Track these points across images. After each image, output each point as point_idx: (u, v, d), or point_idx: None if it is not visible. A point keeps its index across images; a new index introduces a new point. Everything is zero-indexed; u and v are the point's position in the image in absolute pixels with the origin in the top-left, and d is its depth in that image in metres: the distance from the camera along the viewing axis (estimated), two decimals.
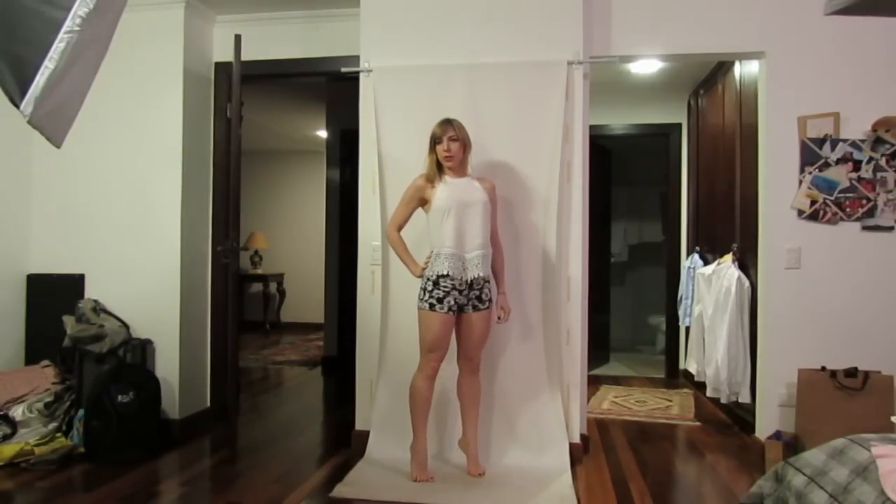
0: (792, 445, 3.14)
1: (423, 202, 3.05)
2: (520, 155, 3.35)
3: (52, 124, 1.95)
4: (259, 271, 8.48)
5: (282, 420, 4.27)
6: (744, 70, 3.93)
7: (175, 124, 3.83)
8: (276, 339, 7.87)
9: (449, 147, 2.98)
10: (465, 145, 3.03)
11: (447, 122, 3.02)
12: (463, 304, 2.98)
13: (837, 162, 3.40)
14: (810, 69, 3.43)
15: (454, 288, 2.94)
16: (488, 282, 3.04)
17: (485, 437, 3.25)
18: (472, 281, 2.97)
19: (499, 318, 3.14)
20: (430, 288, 2.96)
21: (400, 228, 3.09)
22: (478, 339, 3.06)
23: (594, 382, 5.12)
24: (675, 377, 5.60)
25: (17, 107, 1.84)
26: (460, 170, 3.05)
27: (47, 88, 1.83)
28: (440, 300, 2.94)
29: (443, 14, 3.49)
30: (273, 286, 8.61)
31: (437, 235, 2.99)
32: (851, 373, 3.21)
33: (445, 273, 2.93)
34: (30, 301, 3.94)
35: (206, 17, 4.05)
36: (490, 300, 3.06)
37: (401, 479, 3.02)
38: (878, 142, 3.36)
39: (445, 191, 2.99)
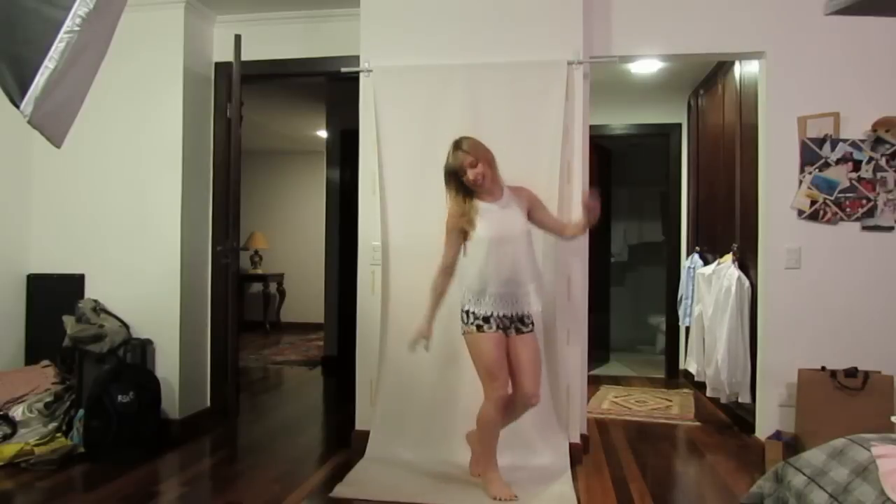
0: (792, 445, 3.14)
1: (465, 234, 2.85)
2: (520, 155, 3.34)
3: (52, 124, 1.95)
4: (259, 271, 8.49)
5: (282, 420, 4.27)
6: (744, 70, 3.93)
7: (175, 124, 3.83)
8: (276, 339, 7.86)
9: (476, 176, 2.77)
10: (489, 162, 2.80)
11: (459, 149, 2.80)
12: (506, 327, 2.84)
13: (837, 162, 3.39)
14: (810, 69, 3.43)
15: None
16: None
17: None
18: (534, 289, 2.85)
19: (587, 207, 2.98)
20: (471, 309, 2.81)
21: (449, 270, 2.87)
22: (533, 367, 2.87)
23: (594, 382, 5.12)
24: (675, 377, 5.60)
25: (17, 107, 1.84)
26: (494, 189, 2.86)
27: (47, 88, 1.83)
28: (486, 320, 2.79)
29: (443, 14, 3.49)
30: (273, 286, 8.61)
31: (477, 269, 2.80)
32: (851, 373, 3.21)
33: (491, 313, 2.78)
34: (30, 301, 3.94)
35: (206, 17, 4.05)
36: (533, 323, 2.91)
37: (401, 478, 3.02)
38: (878, 142, 3.36)
39: (484, 225, 2.79)
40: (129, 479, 3.06)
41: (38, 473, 3.11)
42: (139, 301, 3.80)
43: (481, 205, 2.83)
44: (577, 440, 3.36)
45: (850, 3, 2.15)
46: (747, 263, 3.81)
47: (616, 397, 4.83)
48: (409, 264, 3.31)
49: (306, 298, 8.45)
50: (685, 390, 5.09)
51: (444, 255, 2.87)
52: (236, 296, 4.04)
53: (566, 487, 2.92)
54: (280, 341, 7.73)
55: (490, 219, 2.81)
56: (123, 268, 3.84)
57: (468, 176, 2.78)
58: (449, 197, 2.87)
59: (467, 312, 2.83)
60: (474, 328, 2.81)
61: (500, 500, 2.79)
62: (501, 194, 2.89)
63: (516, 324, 2.87)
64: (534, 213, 2.95)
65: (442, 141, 2.96)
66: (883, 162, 3.37)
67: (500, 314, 2.81)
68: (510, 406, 2.91)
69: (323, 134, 6.59)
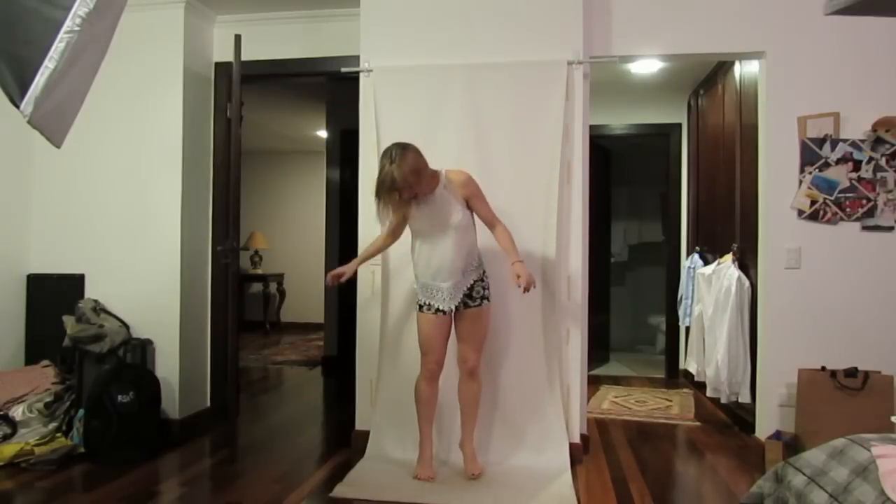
0: (792, 445, 3.14)
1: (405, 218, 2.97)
2: (520, 155, 3.35)
3: (52, 124, 1.95)
4: (259, 271, 8.49)
5: (282, 420, 4.27)
6: (744, 70, 3.93)
7: (175, 124, 3.83)
8: (276, 339, 7.86)
9: (408, 196, 2.77)
10: (418, 180, 2.74)
11: (386, 184, 2.70)
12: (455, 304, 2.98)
13: (837, 162, 3.40)
14: (810, 69, 3.43)
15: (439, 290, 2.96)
16: (481, 280, 3.01)
17: (485, 436, 3.25)
18: (456, 283, 2.93)
19: (518, 286, 2.83)
20: (419, 290, 3.01)
21: (389, 234, 3.12)
22: (470, 337, 3.02)
23: (594, 382, 5.12)
24: (675, 377, 5.60)
25: (17, 107, 1.84)
26: (428, 186, 2.84)
27: (47, 88, 1.83)
28: (427, 302, 2.98)
29: (443, 14, 3.49)
30: (273, 286, 8.61)
31: (414, 258, 3.01)
32: (851, 373, 3.21)
33: (424, 303, 2.97)
34: (30, 301, 3.94)
35: (206, 17, 4.05)
36: (483, 298, 3.01)
37: (401, 478, 3.02)
38: (878, 142, 3.36)
39: (417, 217, 2.90)
40: (129, 479, 3.06)
41: (38, 473, 3.11)
42: (139, 301, 3.80)
43: (413, 201, 2.84)
44: (577, 440, 3.36)
45: (850, 3, 2.14)
46: (747, 263, 3.81)
47: (616, 397, 4.83)
48: (409, 264, 3.31)
49: (306, 298, 8.45)
50: (685, 390, 5.09)
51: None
52: (236, 296, 4.04)
53: (566, 487, 2.92)
54: (280, 341, 7.73)
55: (420, 213, 2.88)
56: (123, 268, 3.84)
57: (400, 202, 2.80)
58: (384, 210, 2.82)
59: (417, 292, 3.03)
60: (418, 307, 3.02)
61: (419, 479, 2.98)
62: (436, 185, 2.87)
63: (465, 300, 2.98)
64: (471, 201, 2.93)
65: (442, 141, 2.96)
66: (883, 162, 3.37)
67: (430, 303, 2.96)
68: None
69: (323, 134, 6.60)
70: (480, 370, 3.11)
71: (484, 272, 3.04)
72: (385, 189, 2.73)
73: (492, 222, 3.00)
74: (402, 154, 2.73)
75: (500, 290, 3.18)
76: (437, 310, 2.96)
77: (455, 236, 2.89)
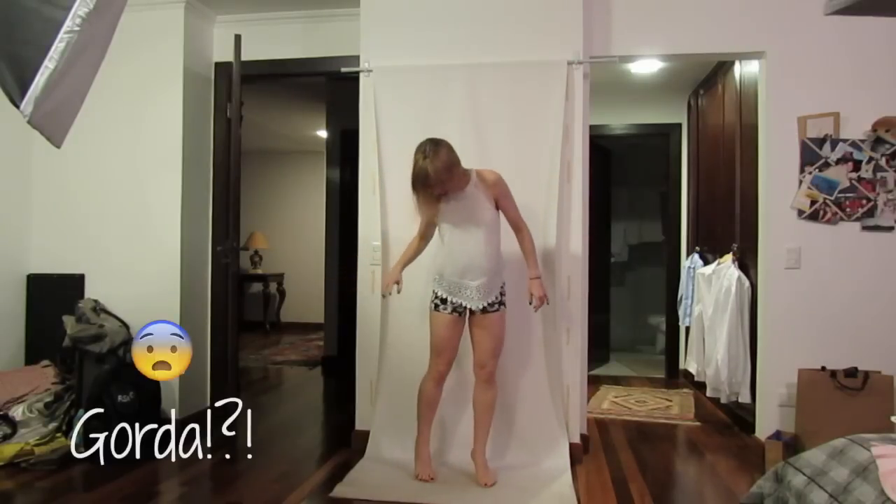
0: (792, 445, 3.14)
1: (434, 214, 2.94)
2: (520, 155, 3.34)
3: (52, 124, 1.95)
4: (259, 271, 8.48)
5: (282, 420, 4.27)
6: (744, 70, 3.93)
7: (175, 124, 3.83)
8: (276, 339, 7.86)
9: (440, 193, 2.78)
10: (451, 177, 2.75)
11: (420, 179, 2.71)
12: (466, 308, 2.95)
13: (837, 162, 3.40)
14: (810, 69, 3.43)
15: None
16: (501, 286, 2.99)
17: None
18: (484, 283, 2.90)
19: (530, 303, 2.97)
20: (434, 289, 2.97)
21: (422, 237, 3.06)
22: (488, 342, 2.97)
23: (594, 382, 5.12)
24: (675, 377, 5.60)
25: (17, 107, 1.84)
26: (459, 184, 2.83)
27: (47, 88, 1.84)
28: (444, 301, 2.93)
29: (443, 14, 3.49)
30: (273, 286, 8.61)
31: (442, 253, 2.95)
32: (851, 373, 3.21)
33: (446, 298, 2.92)
34: (30, 301, 3.94)
35: (206, 17, 4.05)
36: (501, 303, 2.98)
37: (401, 478, 3.02)
38: (878, 142, 3.36)
39: (447, 213, 2.87)
40: (129, 479, 3.06)
41: (38, 473, 3.11)
42: (139, 301, 3.80)
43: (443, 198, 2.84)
44: (577, 440, 3.36)
45: (850, 3, 2.15)
46: (747, 263, 3.81)
47: (616, 397, 4.83)
48: (409, 264, 3.31)
49: (306, 298, 8.44)
50: (685, 390, 5.09)
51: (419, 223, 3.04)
52: (236, 296, 4.04)
53: (566, 487, 2.92)
54: (280, 341, 7.72)
55: (449, 209, 2.87)
56: (123, 268, 3.84)
57: (433, 198, 2.81)
58: (419, 207, 2.86)
59: (433, 291, 2.98)
60: (433, 306, 2.97)
61: (420, 479, 2.96)
62: (467, 183, 2.86)
63: (484, 305, 2.93)
64: (500, 201, 2.93)
65: None
66: (883, 162, 3.37)
67: (453, 300, 2.92)
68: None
69: (323, 134, 6.59)
70: (496, 376, 3.05)
71: (503, 281, 3.01)
72: (419, 184, 2.73)
73: (518, 225, 2.99)
74: (435, 150, 2.72)
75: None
76: (455, 309, 2.92)
77: (485, 234, 2.88)
